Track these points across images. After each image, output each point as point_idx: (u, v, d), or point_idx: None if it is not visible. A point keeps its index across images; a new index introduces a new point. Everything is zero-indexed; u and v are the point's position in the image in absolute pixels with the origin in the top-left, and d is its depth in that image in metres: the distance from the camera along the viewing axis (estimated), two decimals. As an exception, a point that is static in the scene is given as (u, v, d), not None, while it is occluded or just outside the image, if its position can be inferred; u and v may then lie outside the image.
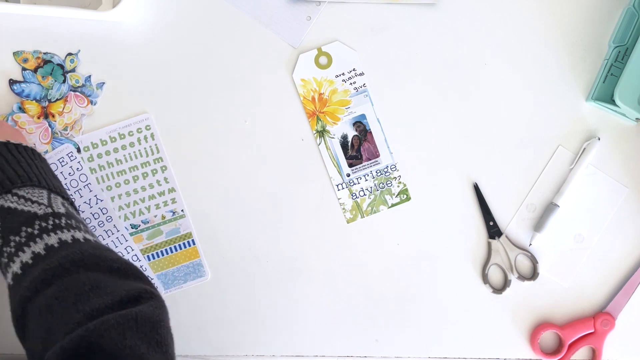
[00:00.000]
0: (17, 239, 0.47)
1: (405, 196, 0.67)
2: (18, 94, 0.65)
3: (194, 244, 0.67)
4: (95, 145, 0.66)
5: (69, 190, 0.65)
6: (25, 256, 0.46)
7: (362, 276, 0.67)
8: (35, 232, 0.47)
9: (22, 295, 0.45)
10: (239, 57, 0.67)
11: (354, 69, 0.67)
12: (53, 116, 0.65)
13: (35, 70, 0.65)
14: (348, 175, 0.67)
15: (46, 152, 0.65)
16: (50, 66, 0.65)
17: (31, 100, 0.65)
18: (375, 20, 0.67)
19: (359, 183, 0.67)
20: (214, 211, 0.67)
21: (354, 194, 0.67)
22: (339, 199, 0.67)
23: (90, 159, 0.66)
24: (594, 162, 0.67)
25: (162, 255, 0.66)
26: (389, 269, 0.67)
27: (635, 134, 0.67)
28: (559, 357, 0.66)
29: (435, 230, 0.67)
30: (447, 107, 0.67)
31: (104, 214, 0.66)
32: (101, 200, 0.66)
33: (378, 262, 0.67)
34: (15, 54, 0.65)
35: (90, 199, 0.66)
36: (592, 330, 0.66)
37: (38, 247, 0.46)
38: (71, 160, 0.65)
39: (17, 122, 0.65)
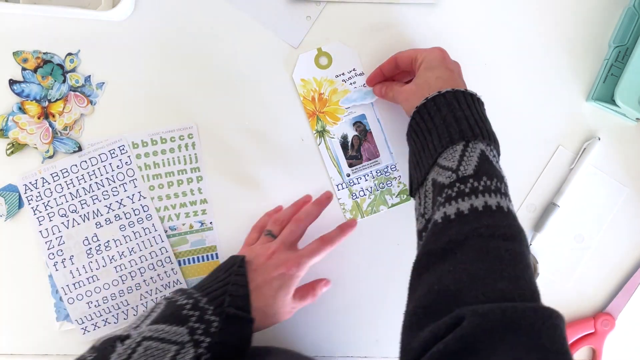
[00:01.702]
0: (441, 198, 0.49)
1: (405, 196, 0.67)
2: (18, 94, 0.65)
3: (217, 257, 0.67)
4: (135, 145, 0.66)
5: (113, 182, 0.65)
6: (450, 209, 0.48)
7: (362, 276, 0.67)
8: (453, 194, 0.48)
9: (450, 238, 0.46)
10: (239, 57, 0.67)
11: (354, 69, 0.67)
12: (53, 116, 0.65)
13: (35, 70, 0.65)
14: (348, 175, 0.67)
15: (47, 151, 0.65)
16: (50, 66, 0.65)
17: (31, 101, 0.65)
18: (375, 20, 0.67)
19: (359, 183, 0.67)
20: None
21: (354, 194, 0.67)
22: (339, 199, 0.67)
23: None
24: (594, 162, 0.67)
25: (184, 264, 0.66)
26: (389, 269, 0.67)
27: (635, 134, 0.67)
28: (558, 357, 0.66)
29: (435, 230, 0.67)
30: (447, 107, 0.67)
31: (145, 211, 0.66)
32: (144, 198, 0.66)
33: (378, 262, 0.67)
34: (15, 54, 0.65)
35: (133, 195, 0.66)
36: (592, 330, 0.66)
37: (463, 205, 0.48)
38: (122, 154, 0.65)
39: (17, 123, 0.65)
